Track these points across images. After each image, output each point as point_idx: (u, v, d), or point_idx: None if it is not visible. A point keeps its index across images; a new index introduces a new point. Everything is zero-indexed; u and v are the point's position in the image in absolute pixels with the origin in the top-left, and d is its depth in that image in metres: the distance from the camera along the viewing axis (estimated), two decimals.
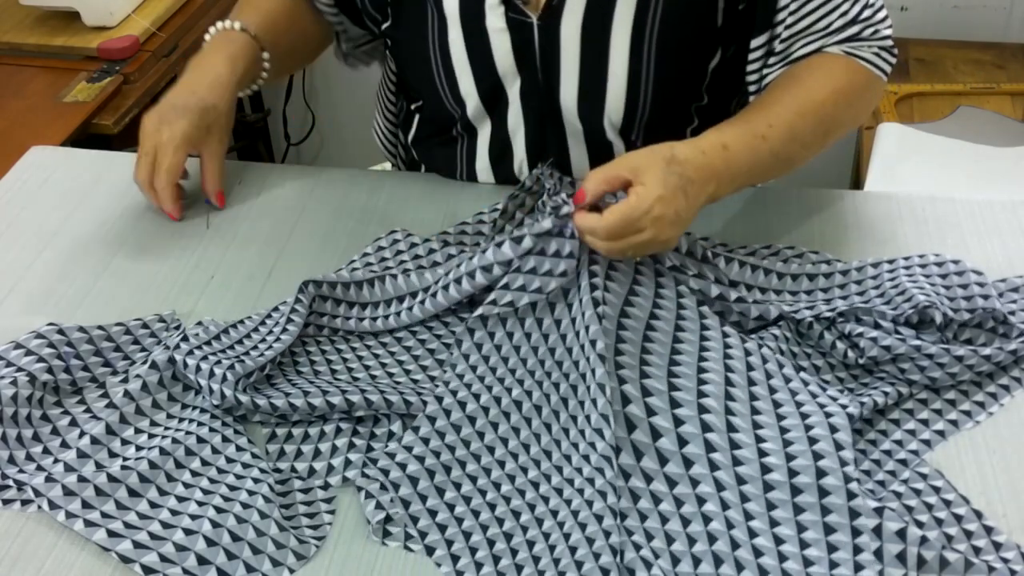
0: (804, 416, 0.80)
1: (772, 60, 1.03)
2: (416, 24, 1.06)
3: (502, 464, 0.83)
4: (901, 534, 0.72)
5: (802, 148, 0.98)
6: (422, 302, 0.93)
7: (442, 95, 1.08)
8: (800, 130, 0.96)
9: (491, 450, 0.84)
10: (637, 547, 0.76)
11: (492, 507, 0.81)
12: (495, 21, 1.01)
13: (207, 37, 1.11)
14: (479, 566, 0.77)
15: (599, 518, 0.77)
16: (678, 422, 0.79)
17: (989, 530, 0.77)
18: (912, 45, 1.94)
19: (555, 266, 0.86)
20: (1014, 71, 1.90)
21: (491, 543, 0.79)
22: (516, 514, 0.80)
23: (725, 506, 0.76)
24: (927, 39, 1.97)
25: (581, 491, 0.80)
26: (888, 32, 1.03)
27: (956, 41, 1.98)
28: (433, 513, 0.80)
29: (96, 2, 1.73)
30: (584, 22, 0.99)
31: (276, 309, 0.95)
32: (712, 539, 0.76)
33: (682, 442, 0.79)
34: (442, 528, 0.80)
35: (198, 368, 0.87)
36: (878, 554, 0.72)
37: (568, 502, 0.80)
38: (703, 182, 0.88)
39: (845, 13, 1.00)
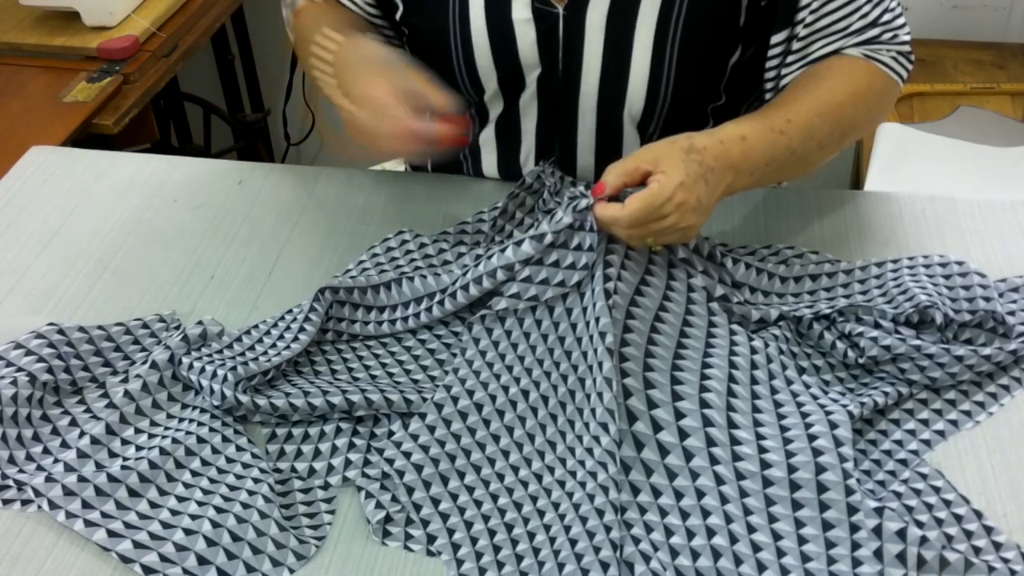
0: (804, 415, 0.81)
1: (790, 59, 1.02)
2: (436, 12, 1.05)
3: (506, 454, 0.84)
4: (901, 534, 0.72)
5: (818, 148, 0.98)
6: (440, 302, 0.93)
7: (460, 83, 1.08)
8: (818, 129, 0.97)
9: (496, 439, 0.84)
10: (636, 540, 0.77)
11: (494, 497, 0.81)
12: (521, 12, 1.01)
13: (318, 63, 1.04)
14: (479, 555, 0.78)
15: (600, 512, 0.78)
16: (679, 415, 0.80)
17: (989, 530, 0.77)
18: (912, 45, 1.94)
19: (577, 259, 0.86)
20: (1014, 71, 1.90)
21: (492, 533, 0.79)
22: (518, 505, 0.81)
23: (724, 500, 0.76)
24: (927, 39, 1.96)
25: (583, 484, 0.80)
26: (907, 37, 1.04)
27: (956, 41, 1.98)
28: (436, 501, 0.81)
29: (96, 2, 1.73)
30: (610, 12, 0.99)
31: (289, 311, 0.95)
32: (711, 533, 0.76)
33: (683, 435, 0.79)
34: (444, 517, 0.80)
35: (202, 370, 0.87)
36: (878, 554, 0.72)
37: (570, 495, 0.80)
38: (722, 171, 0.89)
39: (865, 15, 1.00)
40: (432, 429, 0.85)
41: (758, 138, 0.92)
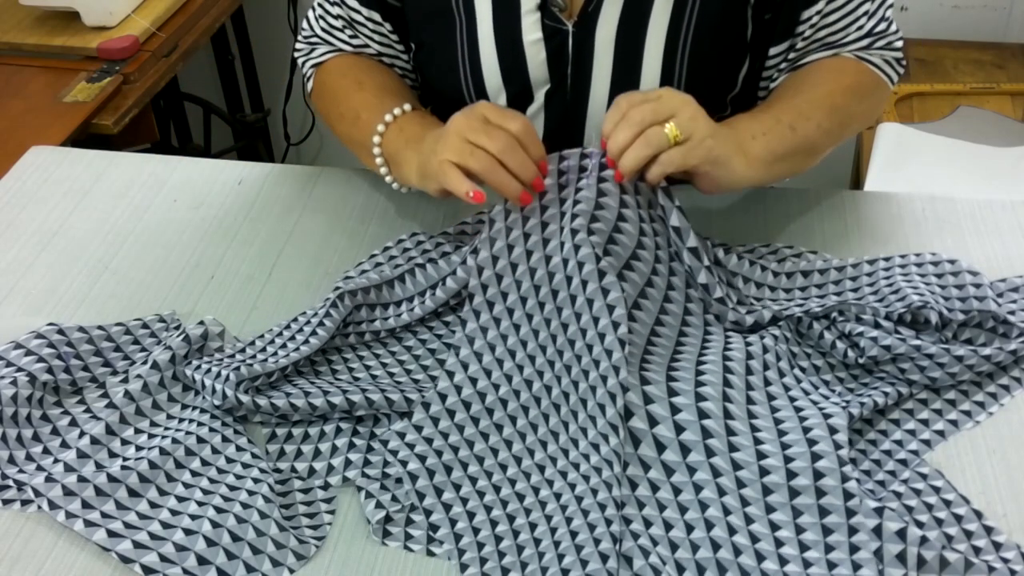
0: (799, 409, 0.81)
1: (783, 66, 1.05)
2: (444, 33, 1.05)
3: (508, 444, 0.84)
4: (901, 534, 0.72)
5: (818, 130, 0.98)
6: (443, 282, 0.94)
7: (467, 100, 1.07)
8: (807, 110, 0.98)
9: (499, 428, 0.85)
10: (635, 536, 0.77)
11: (497, 488, 0.82)
12: (532, 33, 1.01)
13: (377, 139, 1.03)
14: (480, 545, 0.79)
15: (603, 507, 0.78)
16: (675, 410, 0.80)
17: (989, 530, 0.77)
18: (912, 45, 1.94)
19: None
20: (1014, 71, 1.90)
21: (493, 523, 0.80)
22: (520, 496, 0.81)
23: (722, 493, 0.77)
24: (927, 39, 1.97)
25: (587, 478, 0.80)
26: (899, 44, 1.06)
27: (956, 41, 1.98)
28: (439, 491, 0.82)
29: (96, 2, 1.73)
30: (619, 28, 0.99)
31: (303, 313, 0.95)
32: (709, 525, 0.76)
33: (679, 429, 0.79)
34: (447, 507, 0.81)
35: (208, 370, 0.87)
36: (878, 554, 0.72)
37: (572, 486, 0.81)
38: (714, 122, 0.91)
39: (861, 27, 1.02)
40: (436, 421, 0.85)
41: (740, 114, 0.97)
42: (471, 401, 0.86)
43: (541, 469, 0.83)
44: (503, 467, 0.83)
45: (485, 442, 0.85)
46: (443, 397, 0.86)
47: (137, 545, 0.77)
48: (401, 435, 0.85)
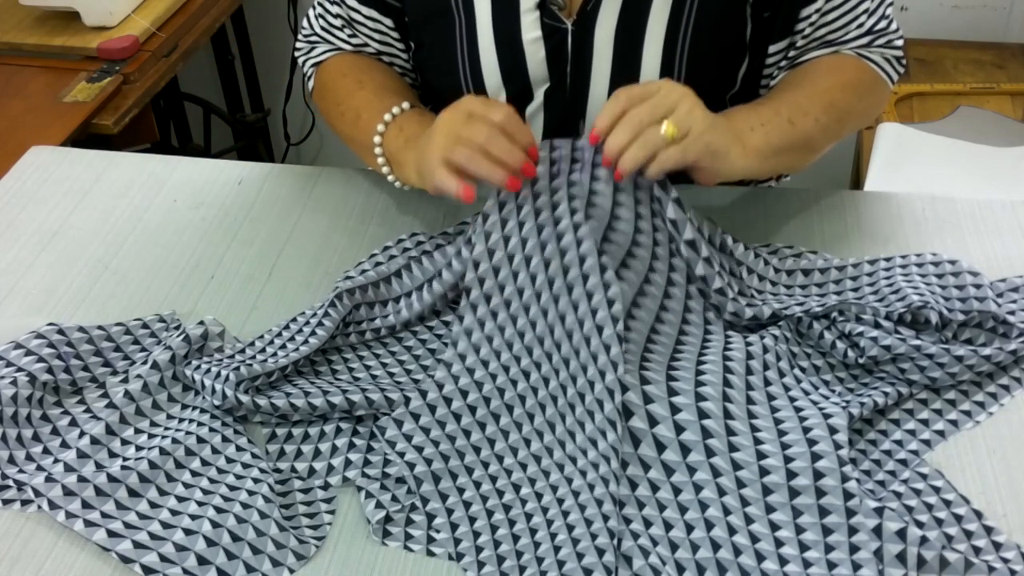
0: (799, 409, 0.81)
1: (783, 64, 1.05)
2: (443, 32, 1.05)
3: (506, 434, 0.85)
4: (901, 534, 0.72)
5: (816, 125, 0.98)
6: (439, 274, 0.94)
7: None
8: (806, 105, 0.98)
9: (496, 418, 0.85)
10: (635, 535, 0.77)
11: (493, 479, 0.82)
12: (530, 31, 1.01)
13: (379, 137, 1.03)
14: (476, 535, 0.79)
15: (599, 502, 0.78)
16: (675, 410, 0.80)
17: (989, 530, 0.77)
18: (912, 45, 1.94)
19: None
20: (1014, 71, 1.90)
21: (489, 513, 0.80)
22: (516, 487, 0.82)
23: (722, 492, 0.77)
24: (927, 39, 1.97)
25: (584, 473, 0.80)
26: (900, 43, 1.06)
27: (956, 41, 1.98)
28: (437, 479, 0.82)
29: (96, 2, 1.73)
30: (618, 26, 1.00)
31: (302, 314, 0.95)
32: (709, 525, 0.76)
33: (679, 429, 0.79)
34: (443, 496, 0.81)
35: (208, 370, 0.87)
36: (878, 554, 0.72)
37: (569, 480, 0.81)
38: (712, 114, 0.91)
39: (861, 25, 1.03)
40: (433, 408, 0.86)
41: (740, 106, 0.97)
42: (468, 390, 0.86)
43: (537, 460, 0.83)
44: (499, 458, 0.84)
45: (482, 432, 0.85)
46: (440, 386, 0.87)
47: (137, 545, 0.77)
48: (398, 423, 0.85)
